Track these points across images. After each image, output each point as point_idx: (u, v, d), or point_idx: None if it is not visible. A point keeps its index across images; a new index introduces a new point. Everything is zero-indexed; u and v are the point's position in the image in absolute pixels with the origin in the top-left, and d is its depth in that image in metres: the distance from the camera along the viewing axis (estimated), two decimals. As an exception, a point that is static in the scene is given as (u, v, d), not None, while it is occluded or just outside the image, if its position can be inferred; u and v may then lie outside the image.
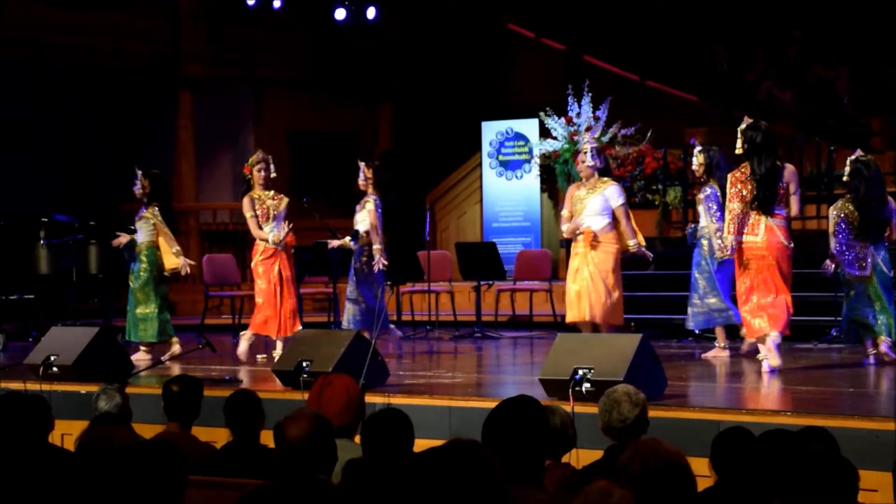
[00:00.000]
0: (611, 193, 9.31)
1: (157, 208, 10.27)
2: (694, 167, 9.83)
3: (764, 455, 3.97)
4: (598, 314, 9.16)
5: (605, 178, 9.42)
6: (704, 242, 9.68)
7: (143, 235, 10.25)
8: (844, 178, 9.19)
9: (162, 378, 7.64)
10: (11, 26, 14.70)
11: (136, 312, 10.13)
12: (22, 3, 14.72)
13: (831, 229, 8.98)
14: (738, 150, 8.41)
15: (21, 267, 12.63)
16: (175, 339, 10.21)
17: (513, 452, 3.84)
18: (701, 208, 9.72)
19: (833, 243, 8.91)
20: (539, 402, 4.18)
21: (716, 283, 9.68)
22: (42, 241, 12.59)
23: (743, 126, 8.42)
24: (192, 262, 10.53)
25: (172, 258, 10.25)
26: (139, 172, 10.32)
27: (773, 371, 8.22)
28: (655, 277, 11.85)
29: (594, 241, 9.24)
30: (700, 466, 3.97)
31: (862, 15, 16.58)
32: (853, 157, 9.18)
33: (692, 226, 9.84)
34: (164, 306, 10.26)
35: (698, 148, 9.88)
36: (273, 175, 10.09)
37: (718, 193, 9.39)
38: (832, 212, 9.06)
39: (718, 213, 9.29)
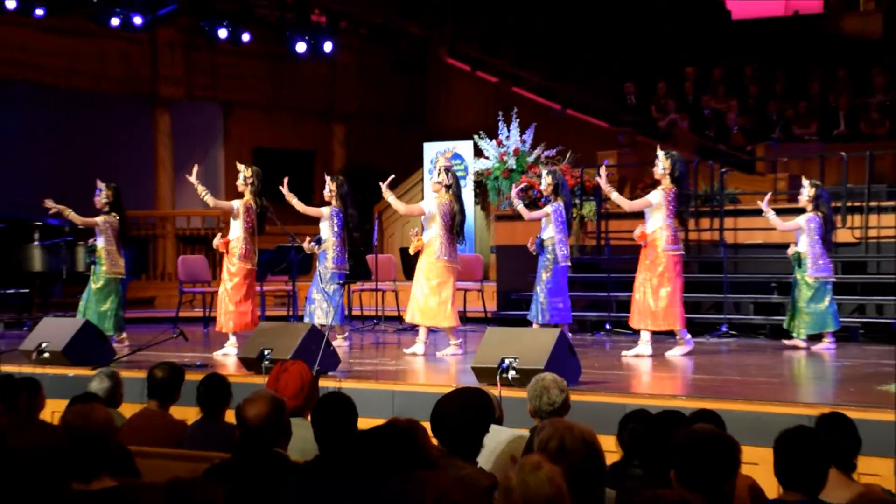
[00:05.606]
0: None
1: (116, 217, 10.11)
2: (542, 187, 9.66)
3: (662, 433, 4.01)
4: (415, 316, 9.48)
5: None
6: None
7: (102, 241, 10.10)
8: (804, 200, 9.41)
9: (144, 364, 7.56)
10: (5, 48, 14.50)
11: (99, 309, 9.99)
12: (16, 28, 14.51)
13: (812, 235, 9.27)
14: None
15: (17, 265, 12.46)
16: (125, 335, 10.15)
17: (458, 432, 3.90)
18: (549, 220, 9.52)
19: (809, 244, 9.28)
20: (490, 395, 4.19)
21: (562, 285, 9.60)
22: (36, 243, 12.41)
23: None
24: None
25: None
26: (102, 184, 10.16)
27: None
28: (572, 280, 11.89)
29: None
30: (608, 443, 4.00)
31: (748, 56, 16.85)
32: (811, 182, 9.48)
33: (539, 237, 9.63)
34: (122, 304, 10.17)
35: (546, 170, 9.83)
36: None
37: (563, 209, 9.43)
38: (811, 220, 9.30)
39: (562, 226, 9.40)
